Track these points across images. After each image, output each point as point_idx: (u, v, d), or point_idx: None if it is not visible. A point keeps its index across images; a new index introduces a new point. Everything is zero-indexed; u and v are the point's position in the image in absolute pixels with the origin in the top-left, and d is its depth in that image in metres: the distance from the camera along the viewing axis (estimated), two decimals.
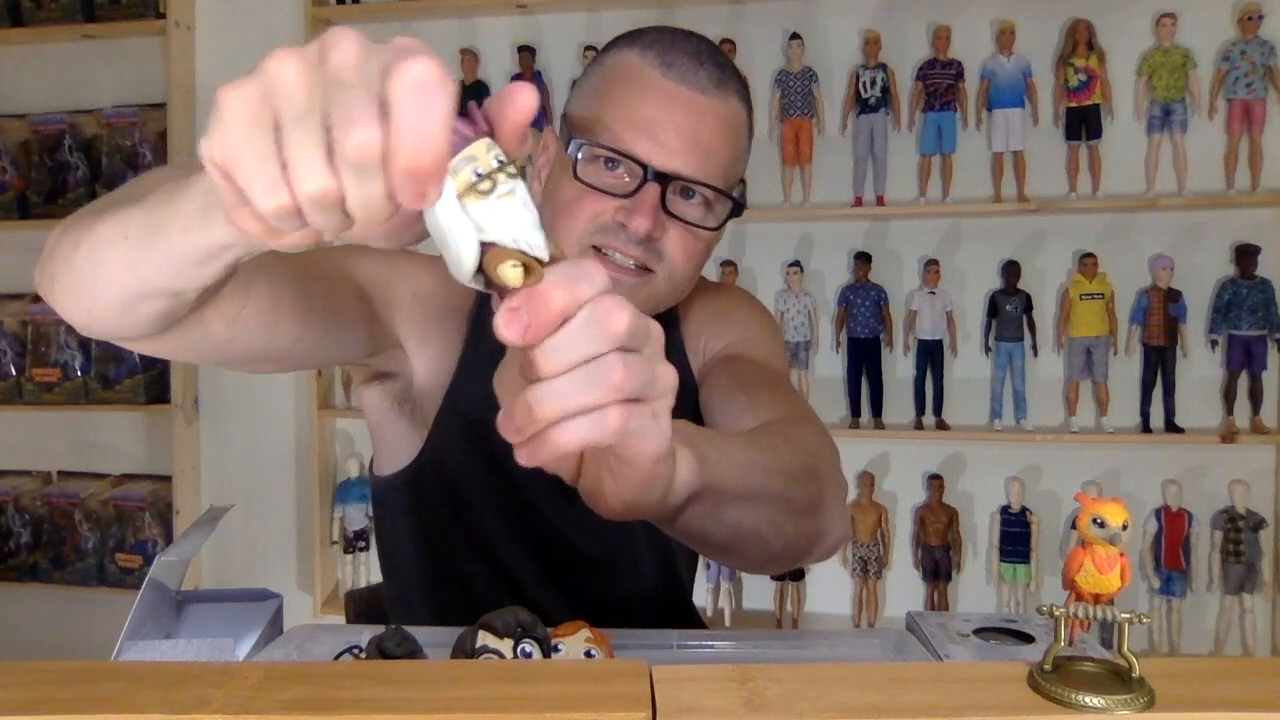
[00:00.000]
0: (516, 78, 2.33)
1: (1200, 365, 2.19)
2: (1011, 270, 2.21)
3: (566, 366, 0.40)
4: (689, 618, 1.07)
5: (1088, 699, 0.42)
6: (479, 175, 0.37)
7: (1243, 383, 2.14)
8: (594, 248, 0.81)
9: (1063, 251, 2.24)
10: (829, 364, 2.34)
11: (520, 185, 0.38)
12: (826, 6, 2.28)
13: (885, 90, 2.22)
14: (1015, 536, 2.22)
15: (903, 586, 2.32)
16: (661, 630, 0.75)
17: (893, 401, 2.28)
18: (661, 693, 0.43)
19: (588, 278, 0.40)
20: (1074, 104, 2.15)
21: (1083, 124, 2.15)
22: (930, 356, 2.24)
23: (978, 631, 0.71)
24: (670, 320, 0.96)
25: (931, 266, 2.22)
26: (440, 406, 0.90)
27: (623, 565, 0.97)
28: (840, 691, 0.43)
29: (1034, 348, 2.23)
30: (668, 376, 0.44)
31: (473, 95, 2.31)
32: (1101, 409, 2.18)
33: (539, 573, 0.95)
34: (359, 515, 2.40)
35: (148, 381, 2.46)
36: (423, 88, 0.34)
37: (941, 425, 2.23)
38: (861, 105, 2.23)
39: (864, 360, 2.27)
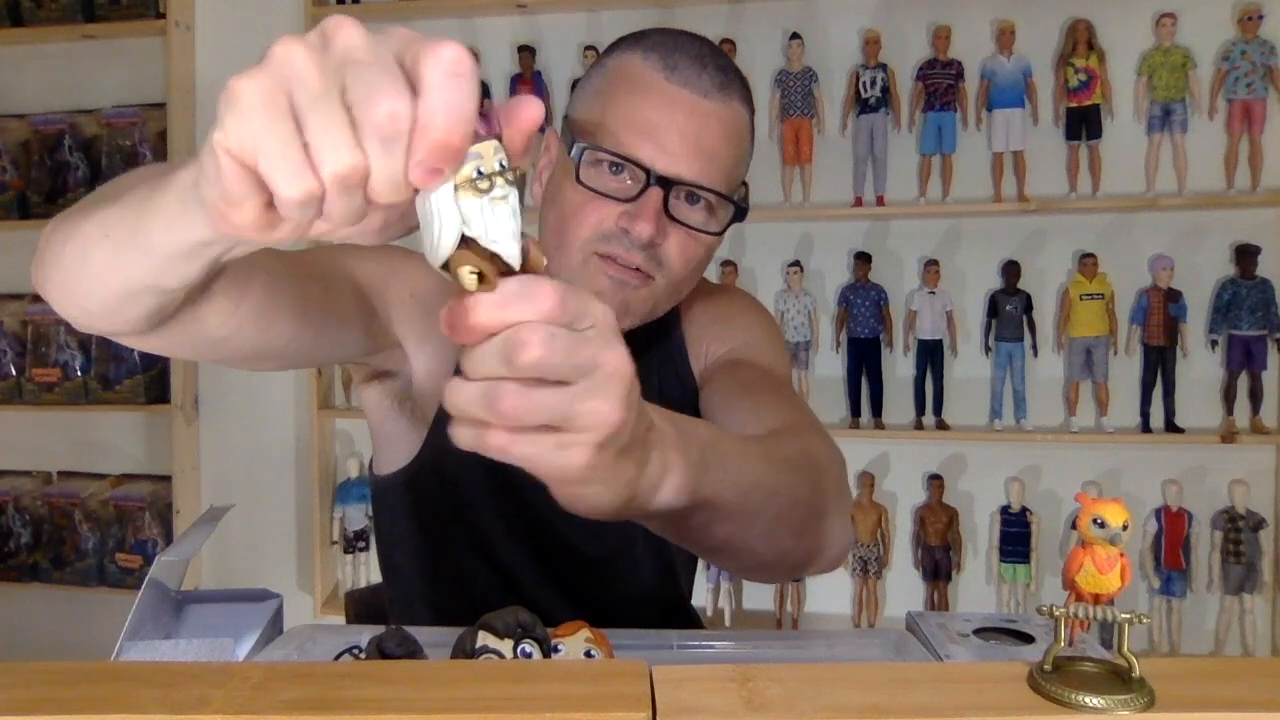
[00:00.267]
0: (517, 78, 2.33)
1: (1200, 365, 2.19)
2: (1011, 270, 2.21)
3: (475, 376, 0.42)
4: (687, 619, 1.07)
5: (1088, 699, 0.42)
6: (480, 173, 0.38)
7: (1243, 383, 2.14)
8: (596, 254, 0.81)
9: (1063, 251, 2.24)
10: (829, 364, 2.34)
11: (514, 194, 0.39)
12: (826, 6, 2.28)
13: (885, 90, 2.22)
14: (1015, 536, 2.22)
15: (903, 586, 2.32)
16: (661, 630, 0.75)
17: (893, 401, 2.28)
18: (661, 693, 0.43)
19: (525, 300, 0.40)
20: (1074, 104, 2.15)
21: (1083, 124, 2.15)
22: (930, 356, 2.24)
23: (978, 631, 0.71)
24: (672, 322, 0.96)
25: (931, 266, 2.22)
26: (439, 406, 0.90)
27: (622, 566, 0.97)
28: (840, 691, 0.43)
29: (1034, 348, 2.23)
30: (599, 415, 0.43)
31: None
32: (1101, 409, 2.18)
33: (538, 572, 0.95)
34: (359, 515, 2.40)
35: (148, 381, 2.45)
36: (458, 71, 0.35)
37: (941, 425, 2.23)
38: (861, 105, 2.23)
39: (864, 360, 2.27)
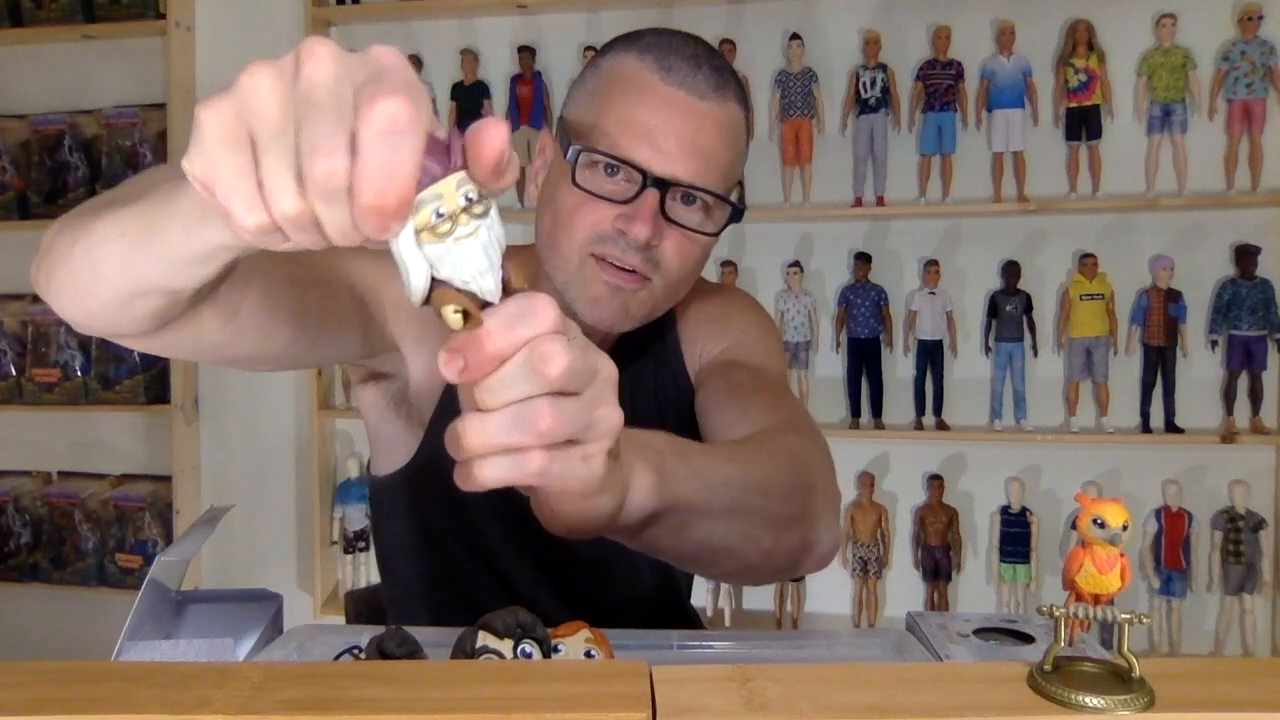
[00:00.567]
0: (516, 78, 2.33)
1: (1200, 365, 2.19)
2: (1011, 270, 2.21)
3: (499, 405, 0.41)
4: (686, 619, 1.07)
5: (1088, 699, 0.42)
6: (439, 215, 0.37)
7: (1243, 383, 2.14)
8: (593, 256, 0.81)
9: (1063, 251, 2.24)
10: (829, 364, 2.34)
11: (485, 225, 0.38)
12: (826, 6, 2.28)
13: (885, 90, 2.22)
14: (1015, 537, 2.22)
15: (903, 586, 2.32)
16: (661, 630, 0.75)
17: (893, 402, 2.29)
18: (661, 693, 0.42)
19: (530, 318, 0.40)
20: (1074, 104, 2.15)
21: (1083, 124, 2.15)
22: (930, 357, 2.24)
23: (978, 632, 0.71)
24: (668, 322, 0.95)
25: (931, 266, 2.22)
26: (436, 407, 0.90)
27: (619, 566, 0.97)
28: (840, 691, 0.43)
29: (1034, 348, 2.23)
30: (608, 420, 0.44)
31: (473, 95, 2.33)
32: (1101, 409, 2.18)
33: (536, 573, 0.95)
34: (359, 515, 2.40)
35: (148, 382, 2.46)
36: (392, 129, 0.34)
37: (941, 425, 2.23)
38: (861, 105, 2.23)
39: (864, 360, 2.27)
